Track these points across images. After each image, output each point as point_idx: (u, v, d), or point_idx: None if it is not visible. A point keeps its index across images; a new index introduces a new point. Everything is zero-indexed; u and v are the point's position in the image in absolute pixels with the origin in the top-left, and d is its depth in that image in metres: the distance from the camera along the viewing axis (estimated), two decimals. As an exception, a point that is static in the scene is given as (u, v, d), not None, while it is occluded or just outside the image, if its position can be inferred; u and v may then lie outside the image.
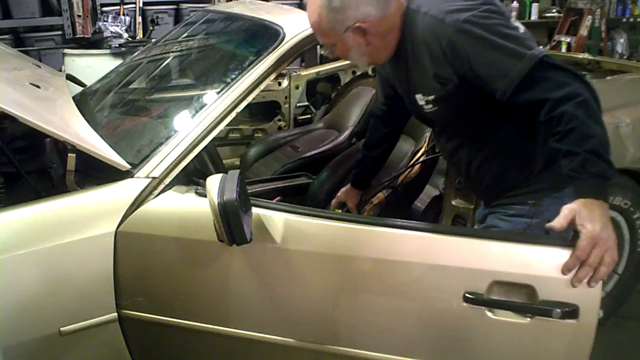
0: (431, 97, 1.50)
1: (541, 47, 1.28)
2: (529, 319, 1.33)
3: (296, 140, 2.93)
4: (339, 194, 2.11)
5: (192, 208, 1.53)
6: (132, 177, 1.57)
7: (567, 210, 1.25)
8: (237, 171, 1.40)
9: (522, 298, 1.33)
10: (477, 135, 1.57)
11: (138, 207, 1.53)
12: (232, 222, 1.29)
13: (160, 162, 1.58)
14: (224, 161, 2.57)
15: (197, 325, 1.58)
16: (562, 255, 1.28)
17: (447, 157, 1.76)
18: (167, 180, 1.57)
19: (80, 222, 1.49)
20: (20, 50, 3.28)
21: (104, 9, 4.73)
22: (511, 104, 1.36)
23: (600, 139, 1.27)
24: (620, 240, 2.38)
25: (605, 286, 2.43)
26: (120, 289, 1.52)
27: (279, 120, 3.25)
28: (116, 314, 1.54)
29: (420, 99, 1.53)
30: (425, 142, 2.25)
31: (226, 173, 1.41)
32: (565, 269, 1.28)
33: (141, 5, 4.78)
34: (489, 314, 1.35)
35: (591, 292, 1.29)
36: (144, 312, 1.56)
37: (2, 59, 2.20)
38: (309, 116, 3.34)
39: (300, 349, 1.53)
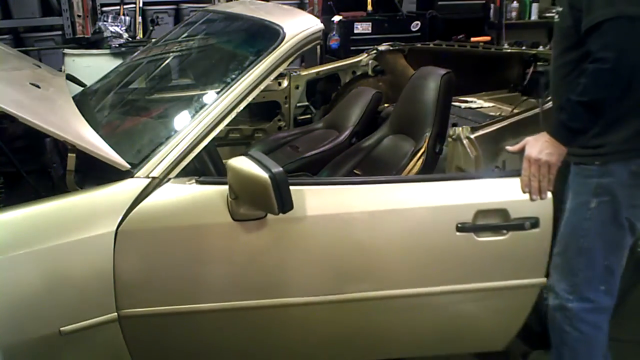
0: (560, 9, 1.68)
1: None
2: (505, 235, 1.68)
3: (296, 140, 2.93)
4: None
5: (196, 196, 1.57)
6: (132, 177, 1.57)
7: (524, 140, 1.63)
8: (259, 149, 1.47)
9: (500, 220, 1.68)
10: (572, 64, 1.64)
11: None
12: (283, 192, 1.41)
13: (160, 162, 1.59)
14: (224, 161, 2.57)
15: (208, 306, 1.61)
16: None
17: (554, 70, 1.79)
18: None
19: (80, 222, 1.50)
20: (20, 50, 3.28)
21: (104, 9, 4.73)
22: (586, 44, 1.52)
23: (588, 99, 1.49)
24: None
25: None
26: (121, 288, 1.52)
27: (279, 120, 3.25)
28: (116, 314, 1.54)
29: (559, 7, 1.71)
30: (425, 142, 2.25)
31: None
32: (523, 188, 1.65)
33: (141, 5, 4.77)
34: (476, 237, 1.67)
35: (545, 206, 1.67)
36: (145, 307, 1.56)
37: (2, 59, 2.20)
38: (309, 116, 3.33)
39: (317, 303, 1.67)
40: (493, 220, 1.67)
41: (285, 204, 1.43)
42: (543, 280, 1.75)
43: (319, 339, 1.80)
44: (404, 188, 1.69)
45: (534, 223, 1.68)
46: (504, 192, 1.68)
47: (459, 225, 1.65)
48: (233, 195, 1.52)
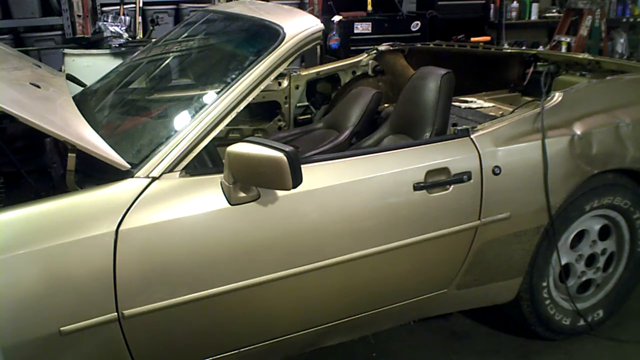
0: None
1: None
2: (450, 188, 1.92)
3: (296, 140, 2.93)
4: None
5: (190, 187, 1.60)
6: (132, 176, 1.57)
7: None
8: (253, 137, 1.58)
9: (444, 176, 1.92)
10: None
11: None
12: (297, 168, 1.50)
13: (161, 161, 1.59)
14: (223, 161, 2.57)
15: (212, 291, 1.62)
16: (454, 143, 1.98)
17: None
18: (167, 180, 1.57)
19: (80, 222, 1.50)
20: (20, 50, 3.28)
21: (104, 9, 4.73)
22: None
23: None
24: (620, 240, 2.38)
25: (605, 286, 2.44)
26: (121, 288, 1.52)
27: (279, 120, 3.25)
28: (116, 313, 1.54)
29: None
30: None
31: None
32: None
33: (141, 5, 4.77)
34: (428, 194, 1.89)
35: (474, 161, 1.96)
36: (146, 304, 1.56)
37: (2, 59, 2.20)
38: (309, 116, 3.33)
39: (305, 272, 1.75)
40: (439, 178, 1.92)
41: (298, 179, 1.52)
42: (478, 222, 2.00)
43: (313, 304, 1.88)
44: (368, 160, 1.87)
45: (469, 176, 1.93)
46: (444, 153, 1.94)
47: (415, 184, 1.86)
48: (232, 181, 1.57)
